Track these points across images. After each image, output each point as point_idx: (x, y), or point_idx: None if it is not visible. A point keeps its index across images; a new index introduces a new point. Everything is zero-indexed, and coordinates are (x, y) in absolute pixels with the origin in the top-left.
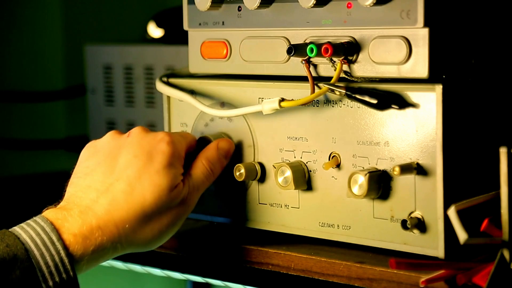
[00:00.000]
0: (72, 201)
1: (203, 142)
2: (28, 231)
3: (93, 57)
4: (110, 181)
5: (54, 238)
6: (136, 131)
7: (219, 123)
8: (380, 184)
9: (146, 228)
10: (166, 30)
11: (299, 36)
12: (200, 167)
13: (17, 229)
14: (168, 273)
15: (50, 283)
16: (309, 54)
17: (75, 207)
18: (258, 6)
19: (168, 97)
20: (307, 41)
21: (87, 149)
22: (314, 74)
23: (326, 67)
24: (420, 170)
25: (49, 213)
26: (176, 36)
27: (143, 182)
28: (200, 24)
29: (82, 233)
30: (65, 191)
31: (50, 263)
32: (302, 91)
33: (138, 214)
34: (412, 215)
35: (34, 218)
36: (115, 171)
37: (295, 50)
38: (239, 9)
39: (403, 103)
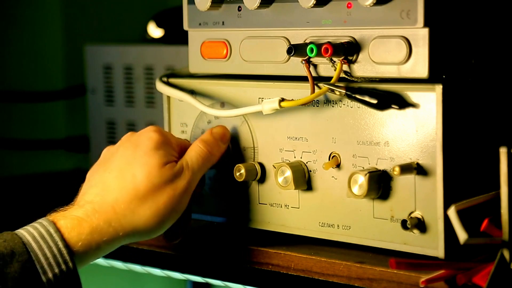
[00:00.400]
0: (73, 202)
1: None
2: (26, 228)
3: (93, 57)
4: (102, 175)
5: (52, 230)
6: (125, 136)
7: (219, 123)
8: (380, 184)
9: (143, 207)
10: (166, 30)
11: (299, 36)
12: (195, 148)
13: (19, 230)
14: (168, 273)
15: (50, 274)
16: (309, 54)
17: (75, 204)
18: (258, 6)
19: (168, 97)
20: (307, 41)
21: (104, 154)
22: (314, 74)
23: (326, 67)
24: (420, 170)
25: (53, 213)
26: (176, 36)
27: (132, 165)
28: (200, 24)
29: (77, 216)
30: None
31: (49, 254)
32: (302, 91)
33: (131, 193)
34: (412, 215)
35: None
36: (107, 168)
37: (295, 50)
38: (239, 9)
39: (403, 103)
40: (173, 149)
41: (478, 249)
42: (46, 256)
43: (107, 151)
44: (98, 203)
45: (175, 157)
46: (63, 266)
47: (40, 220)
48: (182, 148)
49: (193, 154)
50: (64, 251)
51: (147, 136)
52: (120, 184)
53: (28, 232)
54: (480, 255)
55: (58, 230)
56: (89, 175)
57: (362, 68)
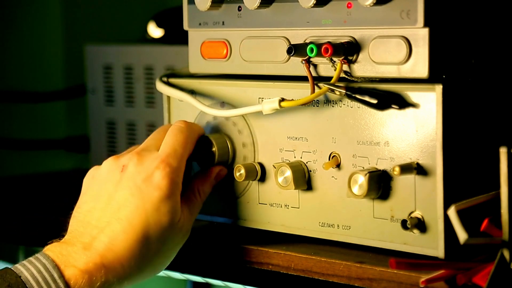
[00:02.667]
0: (74, 236)
1: (203, 142)
2: (29, 269)
3: (93, 57)
4: (109, 220)
5: (56, 276)
6: (131, 163)
7: (219, 123)
8: (380, 184)
9: (152, 264)
10: (166, 30)
11: (299, 36)
12: (197, 197)
13: (19, 267)
14: (168, 273)
15: None
16: (309, 54)
17: (78, 243)
18: (258, 6)
19: (168, 97)
20: (307, 41)
21: (87, 178)
22: (314, 74)
23: (326, 67)
24: (420, 170)
25: (53, 247)
26: (176, 36)
27: (143, 221)
28: (200, 24)
29: (87, 270)
30: (68, 223)
31: None
32: (302, 91)
33: (143, 254)
34: (412, 215)
35: (36, 255)
36: (113, 210)
37: (295, 50)
38: (239, 9)
39: (403, 103)
40: (178, 193)
41: (478, 249)
42: None
43: (108, 171)
44: (108, 259)
45: (180, 207)
46: None
47: (43, 261)
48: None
49: (195, 206)
50: None
51: (155, 185)
52: (131, 240)
53: (32, 276)
54: (480, 255)
55: (62, 276)
56: (87, 197)
57: (362, 68)
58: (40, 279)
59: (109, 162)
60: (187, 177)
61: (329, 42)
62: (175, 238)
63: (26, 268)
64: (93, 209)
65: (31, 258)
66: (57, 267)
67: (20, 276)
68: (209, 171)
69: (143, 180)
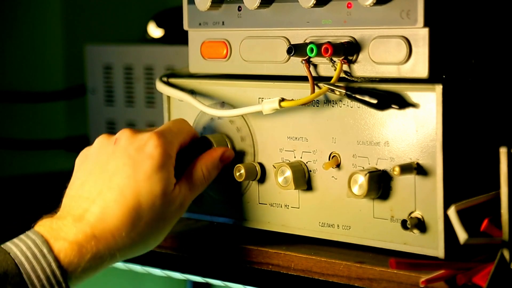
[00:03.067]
0: (66, 211)
1: (203, 142)
2: (19, 245)
3: (93, 57)
4: (101, 189)
5: (45, 251)
6: (123, 135)
7: (219, 123)
8: (380, 184)
9: (144, 236)
10: (166, 30)
11: (299, 36)
12: (199, 173)
13: (8, 244)
14: (168, 273)
15: None
16: (309, 54)
17: (69, 216)
18: (258, 6)
19: (168, 97)
20: (307, 41)
21: (79, 158)
22: (314, 74)
23: (326, 67)
24: (420, 170)
25: (43, 223)
26: (176, 36)
27: (135, 190)
28: (200, 24)
29: (77, 241)
30: (61, 201)
31: (42, 276)
32: (302, 91)
33: (134, 223)
34: (412, 215)
35: (26, 232)
36: (105, 180)
37: (295, 50)
38: (239, 9)
39: (403, 103)
40: (172, 166)
41: (478, 249)
42: (40, 277)
43: (101, 145)
44: (98, 229)
45: (175, 177)
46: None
47: (33, 237)
48: (184, 143)
49: (196, 181)
50: (58, 272)
51: (149, 153)
52: (122, 210)
53: (21, 252)
54: (480, 255)
55: (51, 250)
56: (80, 172)
57: (362, 68)
58: (29, 255)
59: (101, 138)
60: (189, 160)
61: (329, 42)
62: (168, 209)
63: (15, 245)
64: (86, 182)
65: (21, 236)
66: (46, 242)
67: (9, 253)
68: (213, 150)
69: (135, 150)
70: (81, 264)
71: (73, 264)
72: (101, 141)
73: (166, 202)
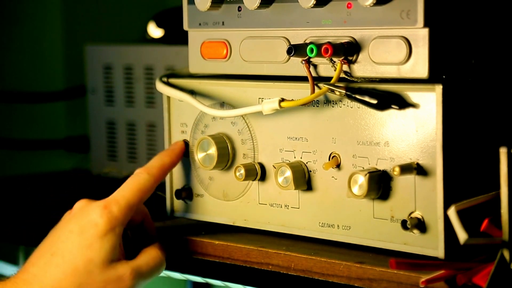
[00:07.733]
0: (18, 276)
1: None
2: None
3: (93, 57)
4: (47, 256)
5: None
6: (78, 205)
7: (219, 123)
8: (380, 184)
9: None
10: (166, 30)
11: (299, 36)
12: (149, 253)
13: None
14: (168, 273)
15: None
16: (309, 54)
17: (12, 279)
18: (258, 6)
19: (168, 97)
20: (307, 41)
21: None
22: (314, 74)
23: (326, 67)
24: (420, 170)
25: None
26: (176, 36)
27: (75, 256)
28: (200, 24)
29: None
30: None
31: None
32: (302, 91)
33: (73, 286)
34: (412, 215)
35: None
36: (52, 246)
37: (295, 50)
38: (239, 9)
39: (403, 103)
40: (119, 235)
41: (478, 249)
42: None
43: (65, 215)
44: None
45: (121, 254)
46: None
47: None
48: (139, 208)
49: (144, 261)
50: None
51: (93, 221)
52: (61, 274)
53: None
54: (480, 255)
55: None
56: (38, 248)
57: (362, 68)
58: None
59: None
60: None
61: (329, 42)
62: (105, 279)
63: None
64: (38, 248)
65: None
66: None
67: None
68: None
69: (83, 215)
70: None
71: None
72: (69, 211)
73: (103, 274)
